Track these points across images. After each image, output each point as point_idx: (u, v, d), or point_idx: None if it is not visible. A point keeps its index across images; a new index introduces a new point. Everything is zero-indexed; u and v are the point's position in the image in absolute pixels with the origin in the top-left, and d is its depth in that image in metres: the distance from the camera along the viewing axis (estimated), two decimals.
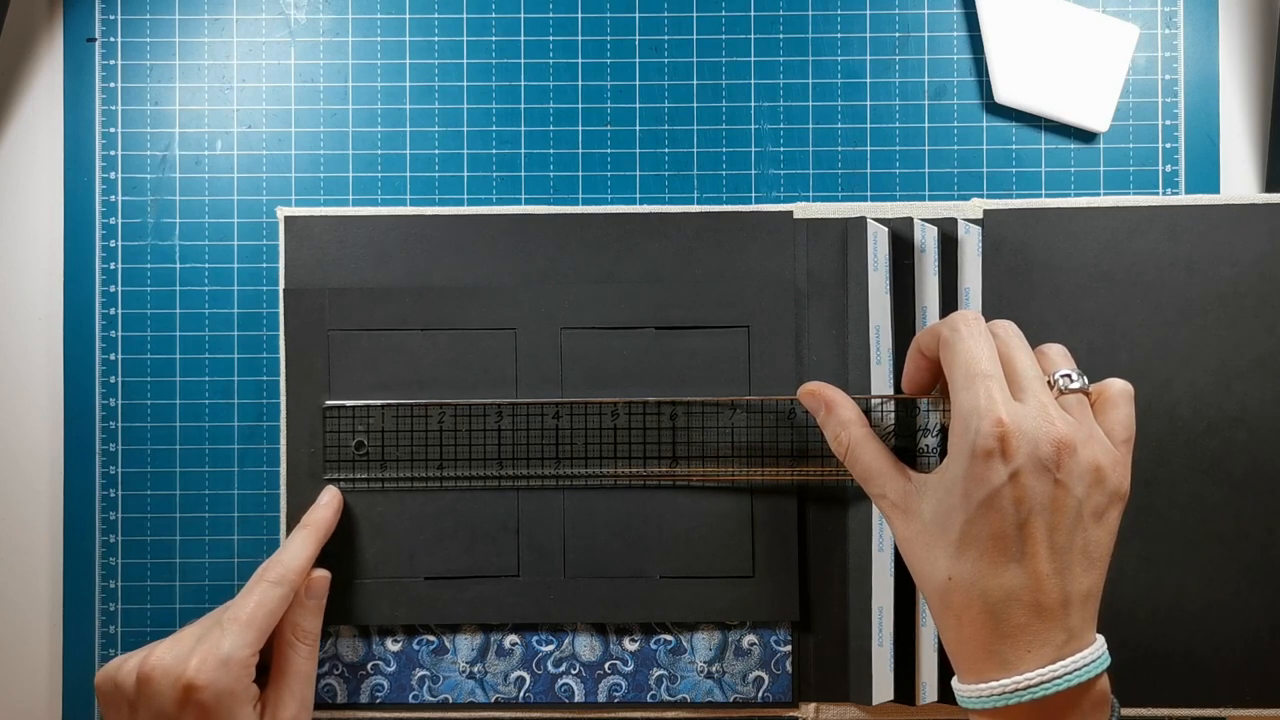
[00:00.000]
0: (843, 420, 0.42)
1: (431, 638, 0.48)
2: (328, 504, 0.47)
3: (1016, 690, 0.35)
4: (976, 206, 0.48)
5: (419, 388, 0.48)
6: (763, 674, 0.48)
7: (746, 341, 0.48)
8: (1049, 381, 0.38)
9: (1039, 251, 0.48)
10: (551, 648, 0.48)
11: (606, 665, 0.48)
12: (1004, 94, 0.50)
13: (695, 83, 0.51)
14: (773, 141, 0.51)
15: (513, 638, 0.48)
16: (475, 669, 0.48)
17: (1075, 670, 0.35)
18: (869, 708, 0.47)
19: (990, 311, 0.47)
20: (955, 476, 0.36)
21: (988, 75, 0.51)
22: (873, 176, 0.51)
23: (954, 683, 0.38)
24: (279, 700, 0.43)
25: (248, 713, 0.41)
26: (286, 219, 0.48)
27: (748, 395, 0.47)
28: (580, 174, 0.51)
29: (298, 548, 0.45)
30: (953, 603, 0.37)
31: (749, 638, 0.48)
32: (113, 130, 0.51)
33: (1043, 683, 0.35)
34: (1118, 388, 0.39)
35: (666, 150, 0.51)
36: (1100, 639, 0.36)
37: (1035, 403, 0.36)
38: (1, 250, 0.52)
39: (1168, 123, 0.51)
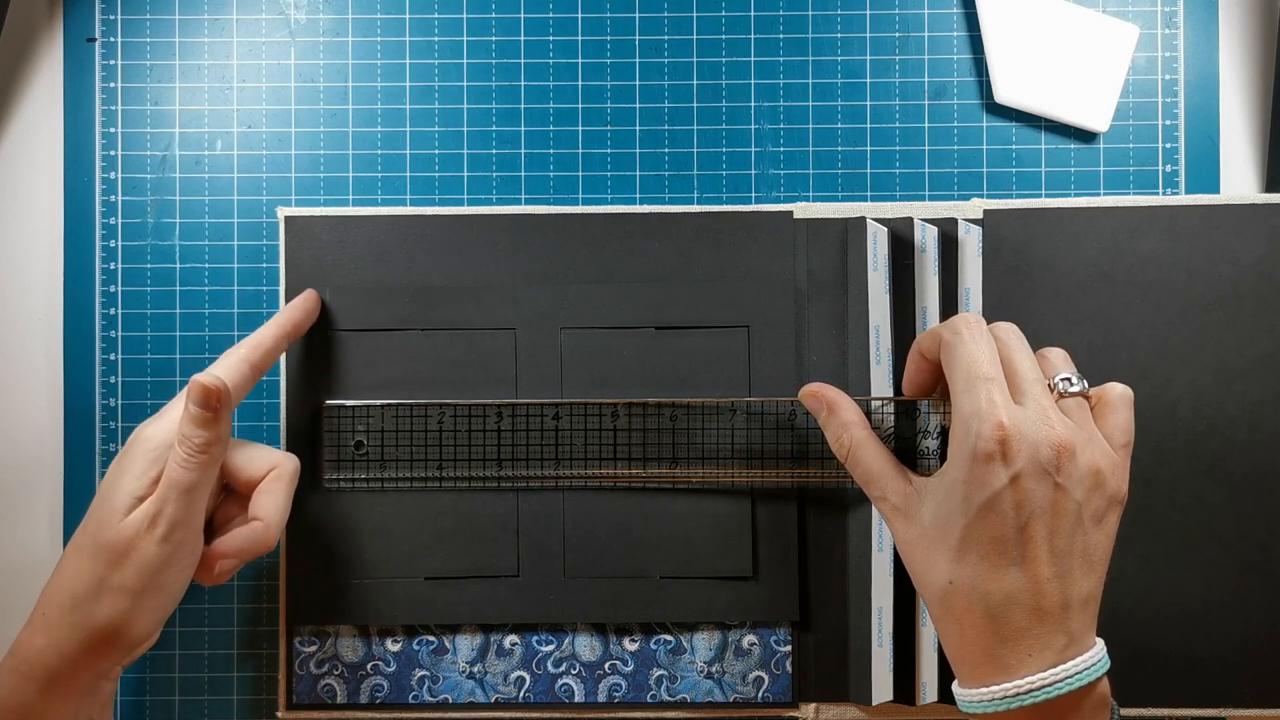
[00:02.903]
0: (844, 422, 0.42)
1: (431, 638, 0.48)
2: (301, 298, 0.46)
3: (1018, 694, 0.35)
4: (976, 206, 0.48)
5: (419, 388, 0.48)
6: (763, 674, 0.48)
7: (746, 342, 0.48)
8: (1049, 385, 0.38)
9: (1039, 251, 0.48)
10: (551, 648, 0.48)
11: (606, 665, 0.48)
12: (1004, 94, 0.50)
13: (695, 83, 0.51)
14: (773, 141, 0.51)
15: (513, 638, 0.48)
16: (475, 669, 0.48)
17: (1076, 674, 0.35)
18: (869, 708, 0.47)
19: (990, 311, 0.47)
20: (955, 480, 0.36)
21: (988, 75, 0.51)
22: (873, 176, 0.51)
23: (954, 687, 0.38)
24: (153, 501, 0.40)
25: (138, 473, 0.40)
26: (286, 219, 0.48)
27: (748, 395, 0.47)
28: (580, 174, 0.51)
29: (262, 330, 0.44)
30: (953, 607, 0.37)
31: (749, 638, 0.48)
32: (113, 130, 0.51)
33: (1044, 686, 0.35)
34: (1117, 392, 0.39)
35: (666, 150, 0.51)
36: (1100, 642, 0.36)
37: (1035, 406, 0.36)
38: (1, 250, 0.52)
39: (1168, 123, 0.51)
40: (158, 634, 0.41)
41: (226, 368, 0.42)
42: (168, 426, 0.41)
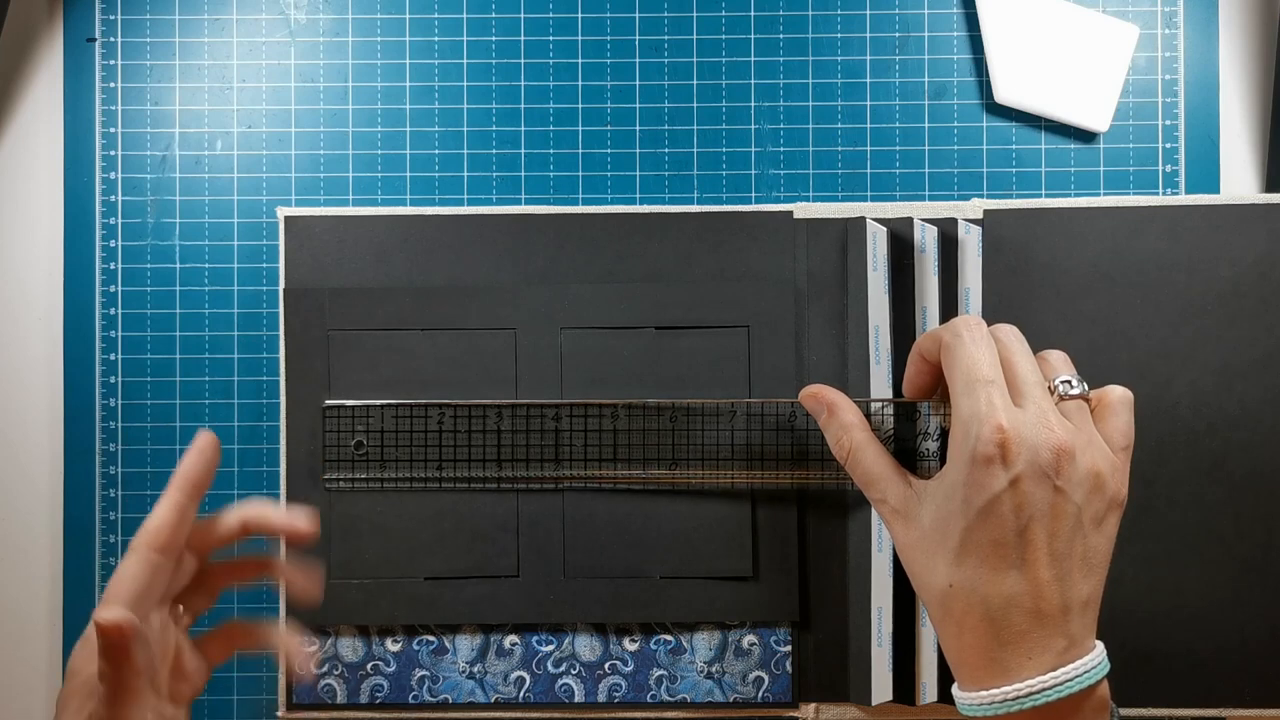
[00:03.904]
0: (845, 424, 0.42)
1: (431, 638, 0.48)
2: (196, 448, 0.41)
3: (1018, 698, 0.35)
4: (976, 206, 0.48)
5: (419, 388, 0.48)
6: (763, 674, 0.48)
7: (746, 342, 0.48)
8: (1049, 387, 0.38)
9: (1039, 251, 0.48)
10: (551, 648, 0.48)
11: (606, 665, 0.48)
12: (1004, 94, 0.50)
13: (695, 83, 0.51)
14: (773, 141, 0.51)
15: (513, 638, 0.48)
16: (475, 669, 0.48)
17: (1076, 677, 0.35)
18: (868, 708, 0.47)
19: (990, 312, 0.47)
20: (955, 483, 0.36)
21: (988, 75, 0.51)
22: (873, 176, 0.51)
23: (954, 690, 0.38)
24: None
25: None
26: (286, 219, 0.48)
27: (748, 395, 0.47)
28: (580, 174, 0.51)
29: (158, 507, 0.40)
30: (953, 610, 0.37)
31: (749, 638, 0.48)
32: (113, 130, 0.51)
33: (1044, 689, 0.35)
34: (1117, 394, 0.39)
35: (666, 150, 0.51)
36: (1100, 645, 0.36)
37: (1035, 409, 0.36)
38: (1, 250, 0.52)
39: (1168, 123, 0.51)
40: None
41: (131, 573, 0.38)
42: (90, 654, 0.38)
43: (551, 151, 0.51)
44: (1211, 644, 0.47)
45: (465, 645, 0.48)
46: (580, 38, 0.51)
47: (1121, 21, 0.50)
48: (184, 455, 0.40)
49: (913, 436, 0.44)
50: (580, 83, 0.51)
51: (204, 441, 0.41)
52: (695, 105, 0.51)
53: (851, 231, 0.47)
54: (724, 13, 0.51)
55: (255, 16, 0.51)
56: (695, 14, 0.51)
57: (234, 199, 0.51)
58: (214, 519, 0.41)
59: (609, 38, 0.51)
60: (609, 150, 0.51)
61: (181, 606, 0.41)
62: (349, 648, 0.48)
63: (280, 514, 0.41)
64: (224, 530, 0.41)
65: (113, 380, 0.51)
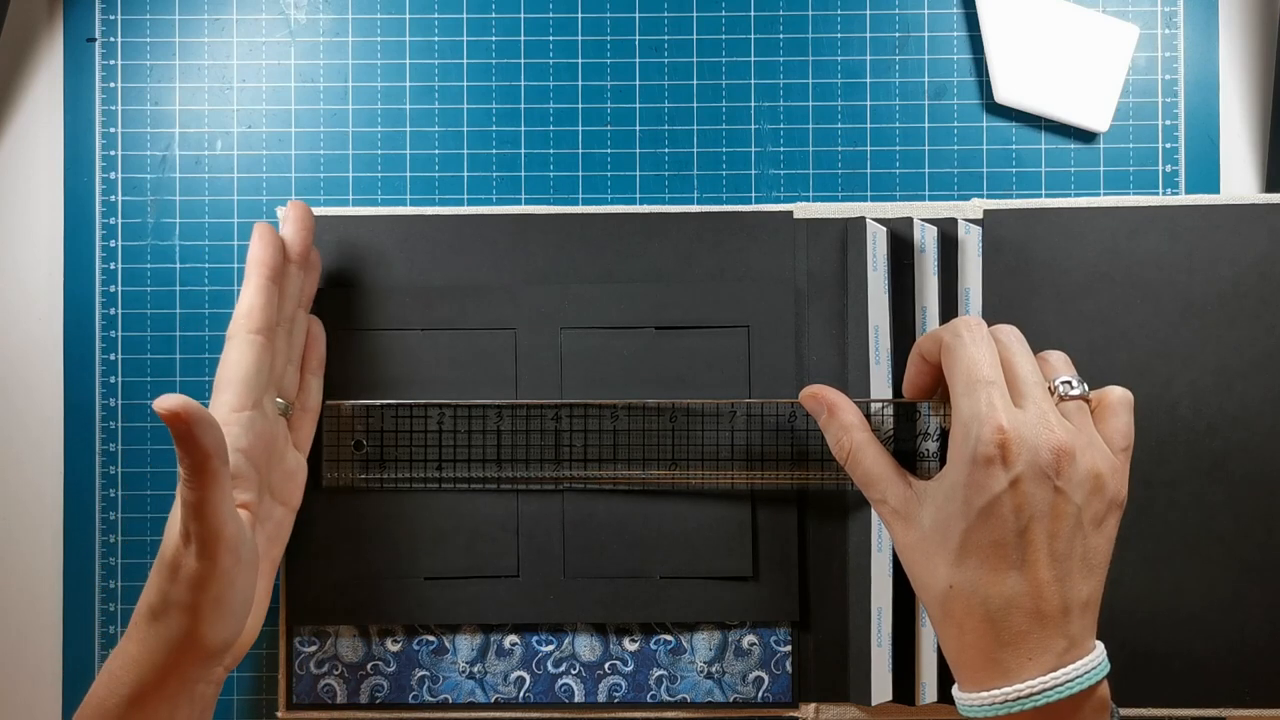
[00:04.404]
0: (845, 424, 0.42)
1: (431, 638, 0.48)
2: (257, 236, 0.43)
3: (1018, 698, 0.35)
4: (976, 206, 0.48)
5: (419, 388, 0.48)
6: (763, 674, 0.48)
7: (746, 342, 0.48)
8: (1050, 388, 0.38)
9: (1039, 251, 0.48)
10: (551, 648, 0.48)
11: (606, 665, 0.48)
12: (1004, 94, 0.50)
13: (695, 83, 0.51)
14: (773, 141, 0.51)
15: (513, 638, 0.48)
16: (475, 669, 0.48)
17: (1076, 678, 0.35)
18: (868, 708, 0.47)
19: (990, 312, 0.47)
20: (955, 483, 0.36)
21: (988, 75, 0.51)
22: (873, 176, 0.51)
23: (954, 691, 0.38)
24: (182, 520, 0.37)
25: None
26: None
27: (747, 395, 0.47)
28: (580, 174, 0.51)
29: (244, 294, 0.42)
30: (954, 611, 0.37)
31: (749, 638, 0.48)
32: (113, 130, 0.51)
33: (1044, 690, 0.35)
34: (1117, 395, 0.39)
35: (666, 150, 0.51)
36: (1100, 646, 0.36)
37: (1035, 409, 0.36)
38: (1, 250, 0.52)
39: (1168, 123, 0.51)
40: (248, 637, 0.41)
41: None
42: None
43: (551, 151, 0.51)
44: (1211, 644, 0.47)
45: (465, 645, 0.48)
46: (580, 38, 0.51)
47: (1121, 21, 0.50)
48: (250, 246, 0.43)
49: (913, 437, 0.44)
50: (580, 83, 0.51)
51: (262, 229, 0.43)
52: (695, 105, 0.51)
53: (851, 231, 0.47)
54: (724, 13, 0.51)
55: (255, 16, 0.51)
56: (695, 14, 0.51)
57: (234, 199, 0.51)
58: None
59: (609, 38, 0.51)
60: (609, 150, 0.51)
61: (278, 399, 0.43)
62: (349, 648, 0.48)
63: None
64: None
65: (113, 380, 0.51)
